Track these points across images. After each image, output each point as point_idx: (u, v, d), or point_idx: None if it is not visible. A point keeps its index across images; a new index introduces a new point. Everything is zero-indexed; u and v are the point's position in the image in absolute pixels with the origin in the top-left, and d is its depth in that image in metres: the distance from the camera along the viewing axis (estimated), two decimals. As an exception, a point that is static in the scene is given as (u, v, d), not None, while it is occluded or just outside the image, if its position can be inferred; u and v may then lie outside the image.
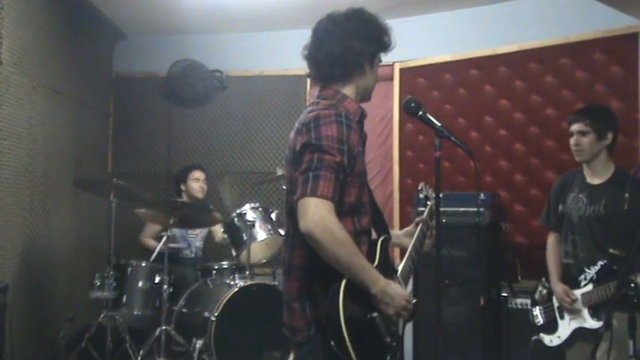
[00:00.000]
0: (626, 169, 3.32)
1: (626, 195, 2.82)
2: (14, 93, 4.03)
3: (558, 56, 4.52)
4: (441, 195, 2.27)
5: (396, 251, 4.59)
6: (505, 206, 4.63)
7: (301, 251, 2.02)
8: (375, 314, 1.96)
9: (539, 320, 3.40)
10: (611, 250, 3.09)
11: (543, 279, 3.44)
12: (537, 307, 3.43)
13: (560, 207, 3.38)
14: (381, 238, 2.13)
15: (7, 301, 3.66)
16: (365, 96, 2.19)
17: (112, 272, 4.14)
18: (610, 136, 3.23)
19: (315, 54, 2.12)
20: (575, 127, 3.25)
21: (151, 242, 4.87)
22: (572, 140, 3.27)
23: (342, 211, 1.96)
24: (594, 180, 3.27)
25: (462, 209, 4.28)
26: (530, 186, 4.63)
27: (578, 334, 3.22)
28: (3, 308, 3.61)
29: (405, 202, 5.12)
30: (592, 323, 3.15)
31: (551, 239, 3.47)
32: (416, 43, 5.00)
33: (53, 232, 4.57)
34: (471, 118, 4.90)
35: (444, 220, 2.32)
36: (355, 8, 2.15)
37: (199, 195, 4.95)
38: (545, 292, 3.41)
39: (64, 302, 4.68)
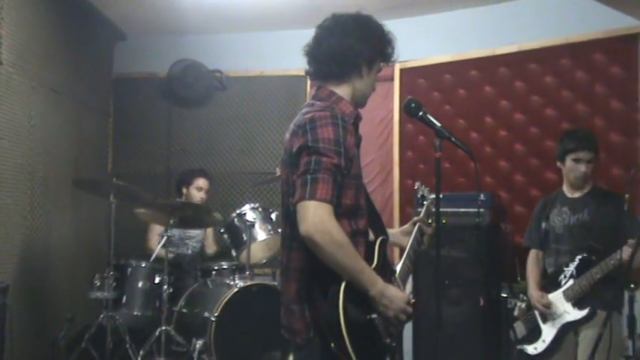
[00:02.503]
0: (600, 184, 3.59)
1: (626, 196, 2.90)
2: (14, 93, 4.03)
3: (558, 57, 4.52)
4: (441, 195, 2.27)
5: (396, 251, 4.59)
6: (505, 207, 4.63)
7: (299, 253, 2.02)
8: (374, 315, 1.97)
9: (521, 333, 3.48)
10: (591, 243, 3.24)
11: (522, 295, 3.56)
12: (518, 322, 3.51)
13: (544, 224, 3.51)
14: (379, 239, 2.13)
15: (7, 302, 3.66)
16: (361, 101, 2.19)
17: (111, 272, 4.13)
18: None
19: (315, 51, 2.13)
20: (584, 156, 3.36)
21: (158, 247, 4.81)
22: (581, 168, 3.36)
23: (339, 213, 1.96)
24: (575, 194, 3.44)
25: (462, 210, 4.28)
26: (530, 186, 4.62)
27: (564, 330, 3.29)
28: (3, 309, 3.61)
29: (406, 203, 5.12)
30: (575, 314, 3.24)
31: (532, 254, 3.60)
32: (416, 43, 4.99)
33: (53, 232, 4.57)
34: (471, 118, 4.90)
35: (443, 221, 2.31)
36: (363, 14, 2.16)
37: (198, 202, 4.92)
38: (524, 305, 3.51)
39: (64, 303, 4.67)
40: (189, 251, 4.94)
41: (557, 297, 3.32)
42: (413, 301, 2.05)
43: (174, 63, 5.52)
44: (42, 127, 4.39)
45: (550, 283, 3.40)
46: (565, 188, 3.50)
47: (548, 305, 3.31)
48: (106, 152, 5.66)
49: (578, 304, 3.23)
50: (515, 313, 3.53)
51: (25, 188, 4.18)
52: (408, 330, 4.32)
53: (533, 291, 3.44)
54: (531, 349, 3.39)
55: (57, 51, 4.65)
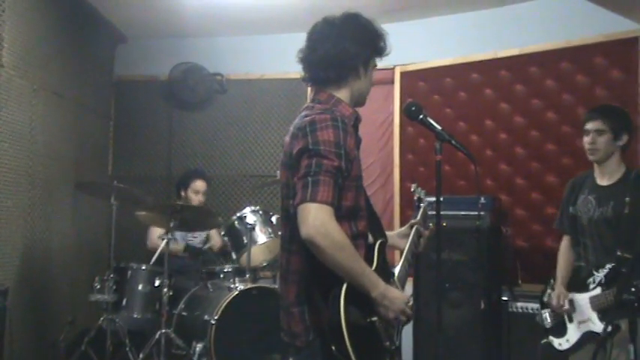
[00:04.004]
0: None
1: (626, 199, 2.82)
2: (15, 96, 4.04)
3: (559, 60, 4.52)
4: (441, 199, 2.26)
5: (397, 254, 4.59)
6: (506, 210, 4.62)
7: (299, 256, 2.02)
8: (374, 318, 1.97)
9: (548, 323, 3.34)
10: (619, 253, 3.05)
11: (552, 281, 3.39)
12: (546, 310, 3.36)
13: (571, 209, 3.33)
14: (379, 242, 2.13)
15: (7, 305, 3.66)
16: (360, 100, 2.19)
17: (112, 275, 4.14)
18: (625, 137, 3.18)
19: (311, 57, 2.13)
20: (591, 126, 3.18)
21: (159, 242, 4.67)
22: (587, 139, 3.20)
23: (340, 215, 1.95)
24: (604, 181, 3.23)
25: (462, 213, 4.27)
26: (530, 190, 4.62)
27: (587, 338, 3.17)
28: (3, 311, 3.61)
29: (406, 206, 5.11)
30: (601, 327, 3.08)
31: (564, 242, 3.43)
32: (417, 46, 5.00)
33: (53, 235, 4.57)
34: (471, 121, 4.90)
35: (444, 224, 2.31)
36: (351, 13, 2.15)
37: (196, 205, 4.89)
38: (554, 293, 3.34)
39: (64, 305, 4.67)
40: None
41: (584, 301, 3.18)
42: (411, 302, 2.05)
43: (175, 66, 5.53)
44: (43, 129, 4.40)
45: (577, 281, 3.25)
46: (595, 171, 3.26)
47: (563, 310, 3.19)
48: (107, 155, 5.67)
49: (603, 317, 3.08)
50: (545, 299, 3.37)
51: (25, 191, 4.18)
52: (408, 333, 4.32)
53: (557, 287, 3.28)
54: (557, 344, 3.27)
55: (58, 54, 4.66)
